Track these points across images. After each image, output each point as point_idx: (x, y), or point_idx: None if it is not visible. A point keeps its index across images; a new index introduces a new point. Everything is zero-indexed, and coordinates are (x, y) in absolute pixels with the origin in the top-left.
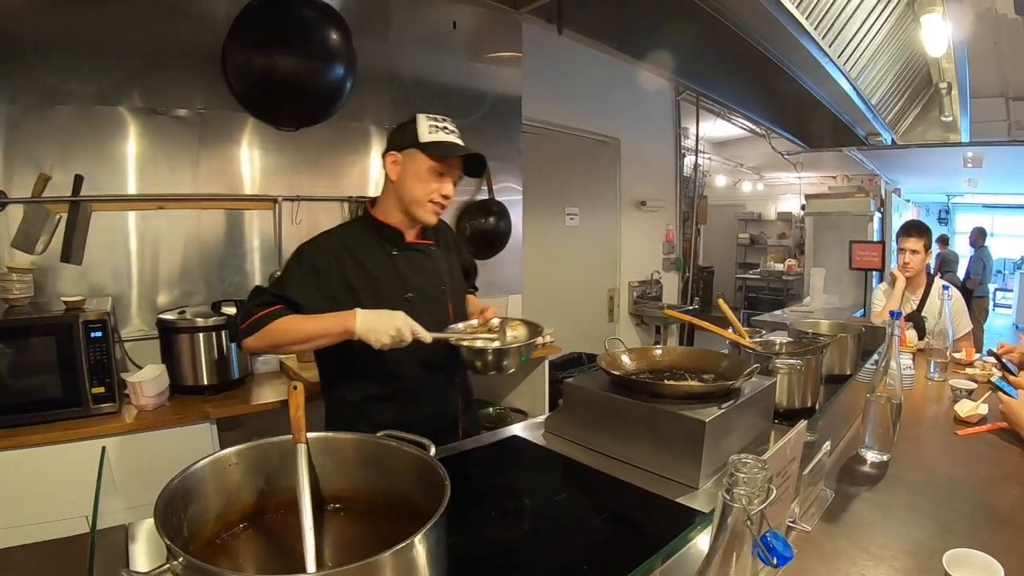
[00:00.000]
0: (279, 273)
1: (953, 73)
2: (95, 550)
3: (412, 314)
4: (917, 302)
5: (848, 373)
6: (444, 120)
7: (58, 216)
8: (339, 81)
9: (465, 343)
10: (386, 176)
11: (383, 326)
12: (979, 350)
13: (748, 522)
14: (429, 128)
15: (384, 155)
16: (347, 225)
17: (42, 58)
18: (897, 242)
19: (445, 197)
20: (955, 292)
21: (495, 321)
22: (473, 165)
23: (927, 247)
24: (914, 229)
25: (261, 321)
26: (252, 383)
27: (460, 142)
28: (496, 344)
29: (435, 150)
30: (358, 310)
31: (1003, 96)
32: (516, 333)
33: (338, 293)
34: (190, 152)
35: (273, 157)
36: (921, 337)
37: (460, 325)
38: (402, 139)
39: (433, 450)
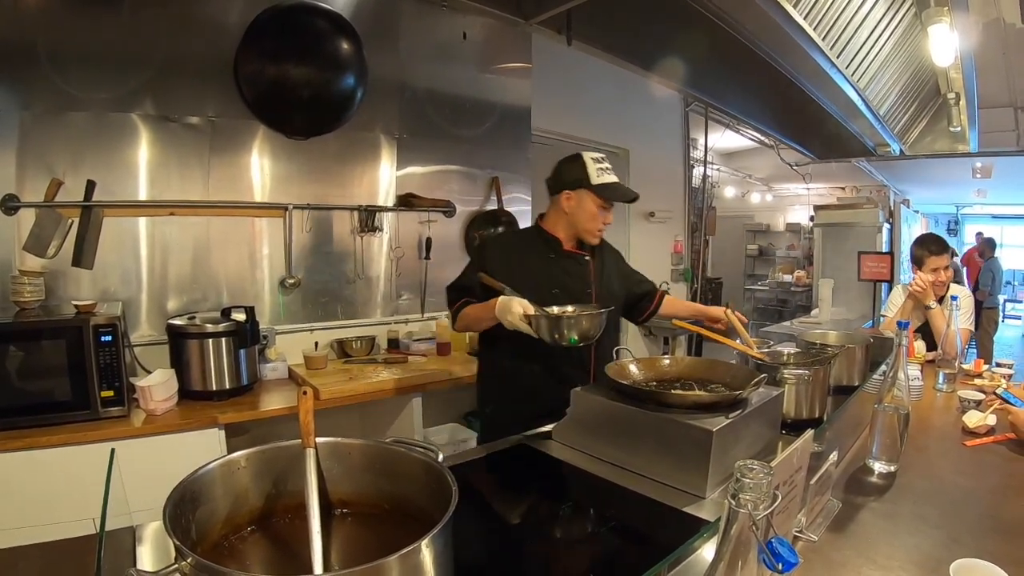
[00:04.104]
0: (481, 250)
1: (961, 83)
2: (103, 550)
3: (556, 304)
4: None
5: (856, 384)
6: (604, 160)
7: (70, 221)
8: (350, 91)
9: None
10: (558, 204)
11: (505, 311)
12: (988, 361)
13: (754, 528)
14: (597, 171)
15: (558, 191)
16: (523, 229)
17: (56, 66)
18: (919, 260)
19: (606, 224)
20: (964, 291)
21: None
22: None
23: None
24: (936, 245)
25: (454, 314)
26: (260, 389)
27: (617, 179)
28: (569, 311)
29: (606, 193)
30: (499, 298)
31: (1012, 106)
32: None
33: (500, 272)
34: (201, 159)
35: (284, 165)
36: (931, 349)
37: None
38: (574, 179)
39: (441, 456)
